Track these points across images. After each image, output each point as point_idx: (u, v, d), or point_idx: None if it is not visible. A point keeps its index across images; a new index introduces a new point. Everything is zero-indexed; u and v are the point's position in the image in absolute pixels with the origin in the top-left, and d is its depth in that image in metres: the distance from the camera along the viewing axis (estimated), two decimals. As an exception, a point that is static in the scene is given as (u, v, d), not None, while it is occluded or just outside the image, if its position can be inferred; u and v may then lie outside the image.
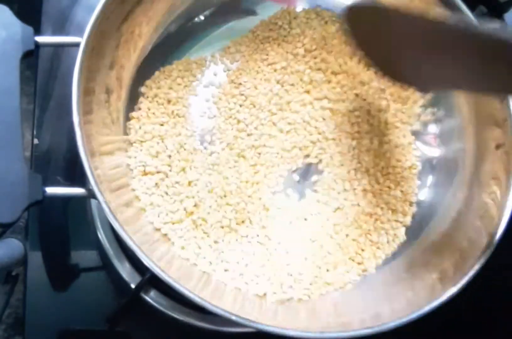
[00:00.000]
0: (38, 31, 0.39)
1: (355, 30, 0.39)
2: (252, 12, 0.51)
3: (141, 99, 0.45)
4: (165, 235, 0.41)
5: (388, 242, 0.44)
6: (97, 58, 0.39)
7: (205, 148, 0.45)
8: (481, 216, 0.41)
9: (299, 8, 0.50)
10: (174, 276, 0.34)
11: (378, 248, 0.44)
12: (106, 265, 0.47)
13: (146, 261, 0.33)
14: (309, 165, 0.46)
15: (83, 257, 0.48)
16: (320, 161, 0.46)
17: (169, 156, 0.44)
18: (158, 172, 0.43)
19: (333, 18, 0.49)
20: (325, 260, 0.43)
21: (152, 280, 0.44)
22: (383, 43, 0.38)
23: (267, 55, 0.48)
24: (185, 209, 0.42)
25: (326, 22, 0.49)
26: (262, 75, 0.47)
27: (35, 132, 0.50)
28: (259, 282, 0.42)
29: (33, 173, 0.35)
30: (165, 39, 0.48)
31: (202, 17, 0.50)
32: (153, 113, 0.45)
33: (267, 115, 0.46)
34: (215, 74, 0.48)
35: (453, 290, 0.36)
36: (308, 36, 0.48)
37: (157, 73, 0.46)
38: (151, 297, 0.45)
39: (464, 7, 0.43)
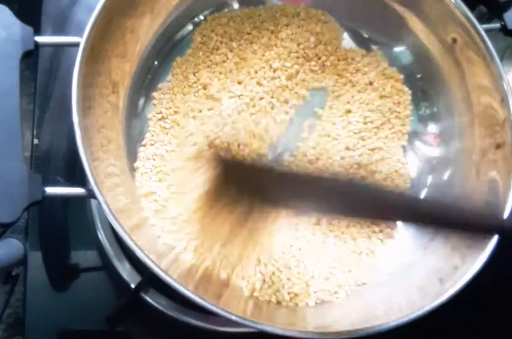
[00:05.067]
0: (38, 31, 0.39)
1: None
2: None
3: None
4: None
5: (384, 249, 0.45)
6: (97, 58, 0.39)
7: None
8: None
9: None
10: (174, 275, 0.34)
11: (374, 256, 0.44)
12: (106, 265, 0.47)
13: (146, 261, 0.33)
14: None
15: (83, 257, 0.48)
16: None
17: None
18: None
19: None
20: (321, 265, 0.43)
21: (152, 280, 0.44)
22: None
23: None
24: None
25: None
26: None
27: (35, 132, 0.50)
28: (256, 282, 0.42)
29: (33, 173, 0.35)
30: (165, 38, 0.48)
31: (202, 17, 0.50)
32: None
33: None
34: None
35: (453, 290, 0.36)
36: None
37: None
38: (151, 297, 0.45)
39: (464, 7, 0.43)
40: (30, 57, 0.38)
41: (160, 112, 0.46)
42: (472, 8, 0.44)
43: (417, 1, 0.46)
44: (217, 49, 0.48)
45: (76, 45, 0.37)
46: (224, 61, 0.48)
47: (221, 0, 0.50)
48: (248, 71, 0.47)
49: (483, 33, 0.43)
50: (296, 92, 0.48)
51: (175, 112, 0.46)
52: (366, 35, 0.52)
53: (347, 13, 0.50)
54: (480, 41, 0.43)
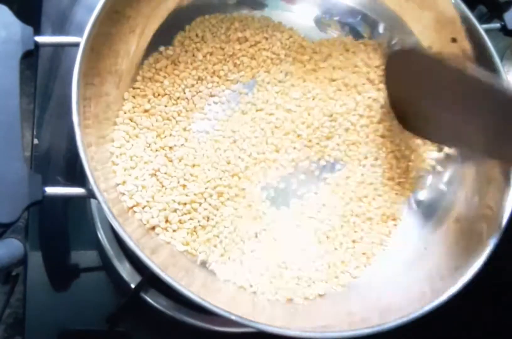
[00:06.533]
0: (38, 31, 0.39)
1: (391, 75, 0.40)
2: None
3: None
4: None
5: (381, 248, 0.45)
6: (97, 58, 0.39)
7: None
8: (481, 216, 0.41)
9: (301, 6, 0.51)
10: (173, 276, 0.34)
11: (369, 256, 0.44)
12: (106, 265, 0.47)
13: (146, 261, 0.33)
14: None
15: (83, 257, 0.48)
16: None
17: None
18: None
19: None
20: (321, 261, 0.43)
21: (152, 280, 0.45)
22: (414, 92, 0.38)
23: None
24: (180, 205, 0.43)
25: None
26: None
27: (35, 132, 0.51)
28: (257, 281, 0.42)
29: (33, 173, 0.35)
30: (165, 38, 0.48)
31: (199, 18, 0.50)
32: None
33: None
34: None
35: (453, 290, 0.36)
36: None
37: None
38: (151, 297, 0.45)
39: (464, 7, 0.43)
40: (30, 57, 0.38)
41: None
42: (472, 8, 0.44)
43: (417, 1, 0.46)
44: (205, 50, 0.48)
45: (76, 45, 0.37)
46: (215, 64, 0.48)
47: (220, 2, 0.50)
48: (240, 71, 0.48)
49: (483, 33, 0.43)
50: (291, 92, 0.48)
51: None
52: (365, 35, 0.52)
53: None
54: (480, 41, 0.43)
